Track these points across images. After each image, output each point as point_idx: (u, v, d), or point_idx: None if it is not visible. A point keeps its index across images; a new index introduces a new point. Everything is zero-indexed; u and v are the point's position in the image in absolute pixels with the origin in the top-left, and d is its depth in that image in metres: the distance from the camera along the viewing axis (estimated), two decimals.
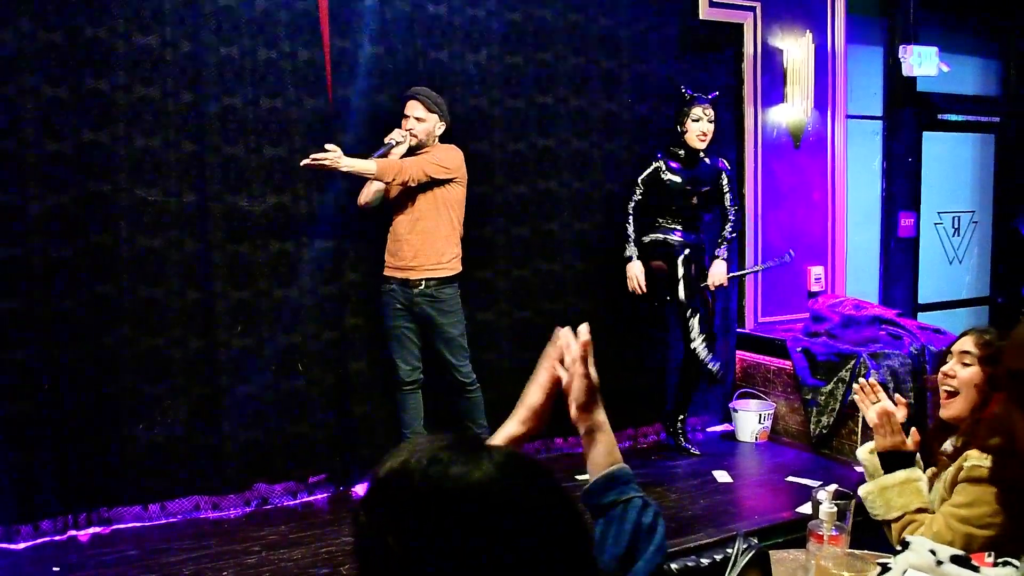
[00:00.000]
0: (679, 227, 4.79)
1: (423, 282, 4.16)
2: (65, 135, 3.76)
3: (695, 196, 4.78)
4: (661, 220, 4.82)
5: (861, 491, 2.32)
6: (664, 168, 4.74)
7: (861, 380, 2.40)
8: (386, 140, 4.09)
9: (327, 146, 3.85)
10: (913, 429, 2.33)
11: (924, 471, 2.32)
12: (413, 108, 4.13)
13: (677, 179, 4.74)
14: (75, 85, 3.76)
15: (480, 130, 4.59)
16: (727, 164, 4.91)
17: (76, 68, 3.76)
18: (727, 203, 4.88)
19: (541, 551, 0.97)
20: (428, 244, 4.15)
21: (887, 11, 6.24)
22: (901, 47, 6.02)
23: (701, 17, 5.21)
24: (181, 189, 3.99)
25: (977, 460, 2.09)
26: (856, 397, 2.38)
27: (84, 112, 3.79)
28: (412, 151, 4.15)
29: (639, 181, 4.74)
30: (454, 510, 0.95)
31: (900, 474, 2.26)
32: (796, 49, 5.52)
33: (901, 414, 2.31)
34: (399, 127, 4.16)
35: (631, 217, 4.75)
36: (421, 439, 1.03)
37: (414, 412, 4.26)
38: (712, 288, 4.83)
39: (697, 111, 4.67)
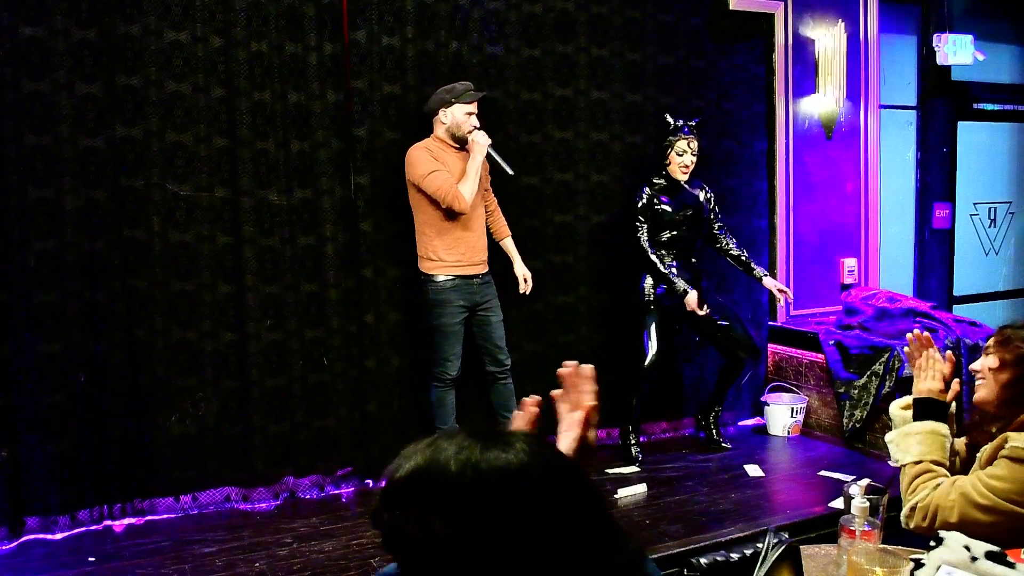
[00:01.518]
0: (674, 259, 4.66)
1: (483, 274, 4.28)
2: (98, 131, 3.81)
3: (685, 224, 4.67)
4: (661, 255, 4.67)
5: (887, 437, 2.36)
6: (655, 198, 4.63)
7: (916, 331, 2.40)
8: (490, 150, 4.16)
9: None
10: (955, 380, 2.35)
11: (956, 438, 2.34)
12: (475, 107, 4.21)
13: (668, 209, 4.63)
14: (108, 81, 3.81)
15: (498, 122, 4.56)
16: (705, 185, 4.80)
17: (109, 64, 3.81)
18: (712, 221, 4.80)
19: (580, 521, 1.02)
20: (484, 239, 4.30)
21: None
22: (935, 35, 5.92)
23: (731, 7, 5.15)
24: (212, 184, 4.03)
25: (1019, 441, 2.08)
26: (907, 348, 2.39)
27: (117, 108, 3.84)
28: (464, 145, 4.21)
29: (639, 214, 4.60)
30: (498, 491, 0.99)
31: (927, 424, 2.28)
32: (828, 38, 5.45)
33: (947, 368, 2.33)
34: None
35: (651, 251, 4.58)
36: (440, 439, 1.06)
37: (451, 408, 4.28)
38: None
39: (682, 144, 4.57)
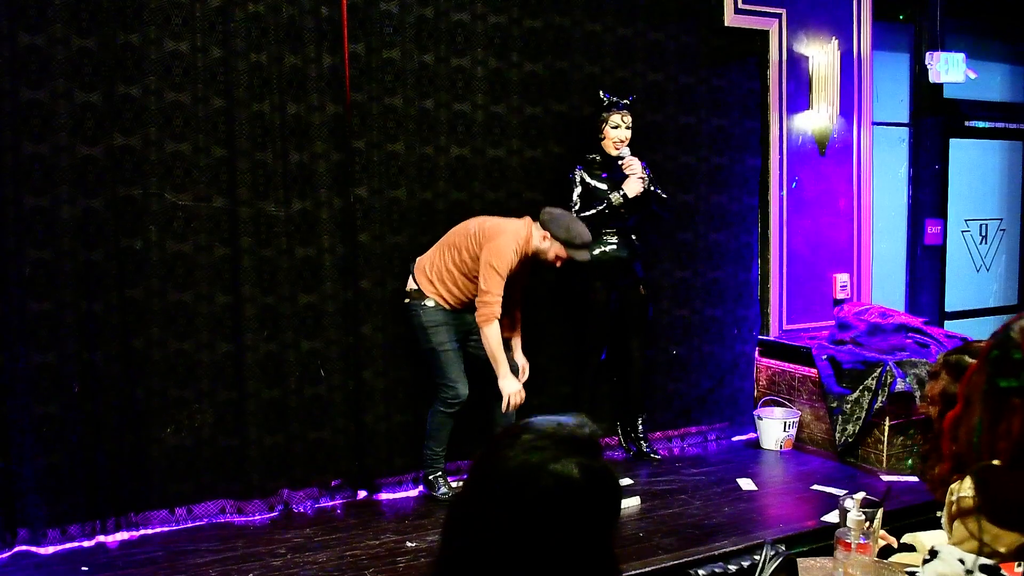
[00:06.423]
0: (615, 237, 4.68)
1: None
2: (97, 140, 3.81)
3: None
4: (600, 231, 4.66)
5: None
6: (588, 176, 4.65)
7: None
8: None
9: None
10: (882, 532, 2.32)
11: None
12: None
13: (603, 186, 4.64)
14: (107, 90, 3.82)
15: (502, 135, 4.61)
16: (644, 162, 4.69)
17: (108, 74, 3.81)
18: (656, 192, 4.72)
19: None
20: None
21: (913, 18, 6.21)
22: (927, 54, 5.98)
23: (726, 24, 5.20)
24: (211, 194, 4.03)
25: (962, 492, 2.08)
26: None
27: (116, 117, 3.85)
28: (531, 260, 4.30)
29: (572, 192, 4.61)
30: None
31: (902, 557, 2.24)
32: (822, 56, 5.50)
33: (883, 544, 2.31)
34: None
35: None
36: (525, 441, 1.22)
37: (448, 434, 4.28)
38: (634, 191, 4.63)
39: (616, 118, 4.60)
